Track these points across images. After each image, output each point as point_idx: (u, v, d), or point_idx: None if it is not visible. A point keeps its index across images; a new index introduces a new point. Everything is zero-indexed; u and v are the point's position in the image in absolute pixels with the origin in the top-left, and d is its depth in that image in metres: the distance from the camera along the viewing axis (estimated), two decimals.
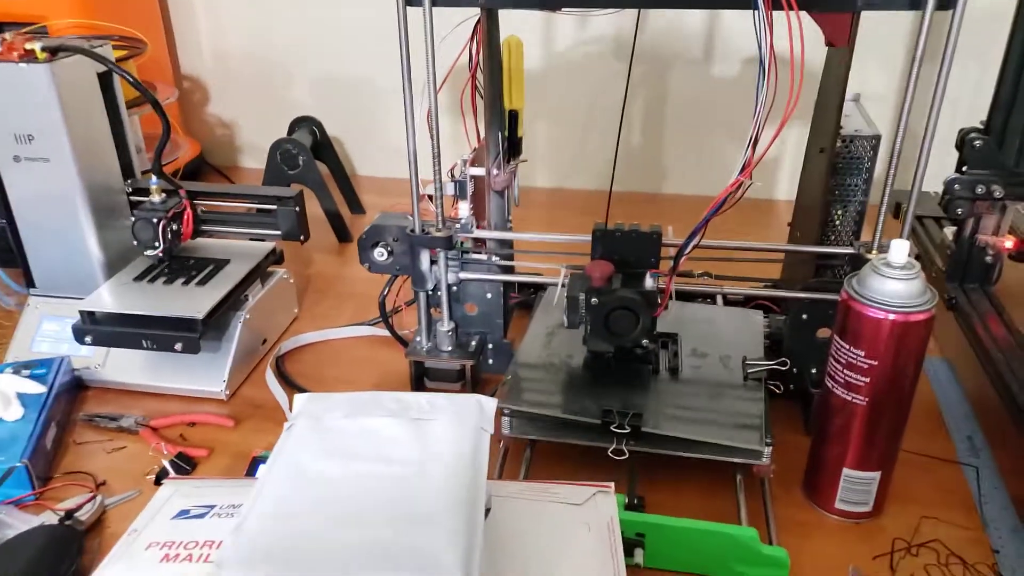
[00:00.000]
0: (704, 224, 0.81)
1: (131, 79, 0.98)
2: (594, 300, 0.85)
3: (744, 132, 1.67)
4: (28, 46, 0.96)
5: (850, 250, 0.90)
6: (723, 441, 0.82)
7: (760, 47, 0.72)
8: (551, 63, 1.59)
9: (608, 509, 0.69)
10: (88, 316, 0.99)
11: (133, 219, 1.04)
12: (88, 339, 0.98)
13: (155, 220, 1.03)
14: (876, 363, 0.75)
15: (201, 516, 0.67)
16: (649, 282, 0.87)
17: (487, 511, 0.60)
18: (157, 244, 1.04)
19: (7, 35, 0.98)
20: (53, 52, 0.97)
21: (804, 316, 0.94)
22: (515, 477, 0.86)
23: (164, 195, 1.06)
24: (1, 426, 0.89)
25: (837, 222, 0.95)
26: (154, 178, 1.05)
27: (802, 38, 0.72)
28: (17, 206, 1.05)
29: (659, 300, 0.86)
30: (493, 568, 0.52)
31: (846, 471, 0.81)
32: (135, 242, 1.05)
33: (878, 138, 0.91)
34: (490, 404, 0.65)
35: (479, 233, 1.00)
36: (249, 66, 1.77)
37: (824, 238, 0.96)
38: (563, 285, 0.91)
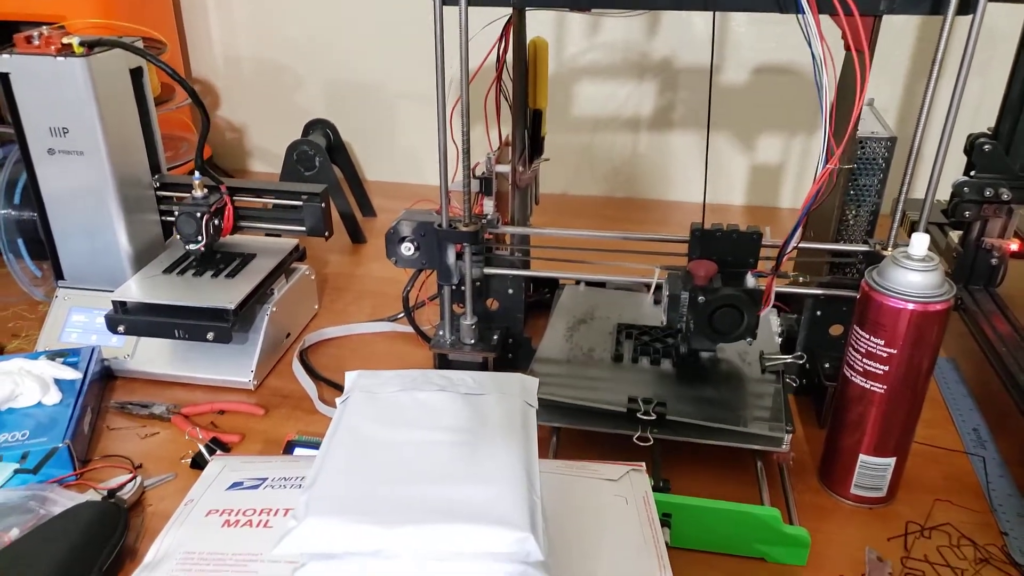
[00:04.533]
0: (803, 219, 0.82)
1: (170, 71, 1.00)
2: (700, 298, 0.85)
3: (749, 140, 1.70)
4: (65, 40, 0.98)
5: (866, 247, 0.93)
6: (746, 429, 0.85)
7: (810, 44, 0.77)
8: (560, 68, 1.62)
9: (642, 485, 0.72)
10: (120, 306, 1.01)
11: (176, 213, 1.05)
12: (121, 328, 1.00)
13: (198, 215, 1.04)
14: (895, 352, 0.77)
15: (255, 487, 0.69)
16: (751, 281, 0.88)
17: None
18: (200, 238, 1.05)
19: (44, 29, 0.99)
20: (90, 47, 0.99)
21: (819, 312, 0.98)
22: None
23: (206, 190, 1.07)
24: (41, 410, 0.90)
25: (851, 222, 0.99)
26: (196, 173, 1.07)
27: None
28: (49, 199, 1.07)
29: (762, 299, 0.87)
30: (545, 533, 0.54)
31: (863, 457, 0.84)
32: (178, 236, 1.07)
33: (894, 140, 0.94)
34: (532, 382, 0.68)
35: (507, 228, 1.03)
36: (259, 70, 1.80)
37: (838, 237, 0.99)
38: (658, 284, 0.91)
